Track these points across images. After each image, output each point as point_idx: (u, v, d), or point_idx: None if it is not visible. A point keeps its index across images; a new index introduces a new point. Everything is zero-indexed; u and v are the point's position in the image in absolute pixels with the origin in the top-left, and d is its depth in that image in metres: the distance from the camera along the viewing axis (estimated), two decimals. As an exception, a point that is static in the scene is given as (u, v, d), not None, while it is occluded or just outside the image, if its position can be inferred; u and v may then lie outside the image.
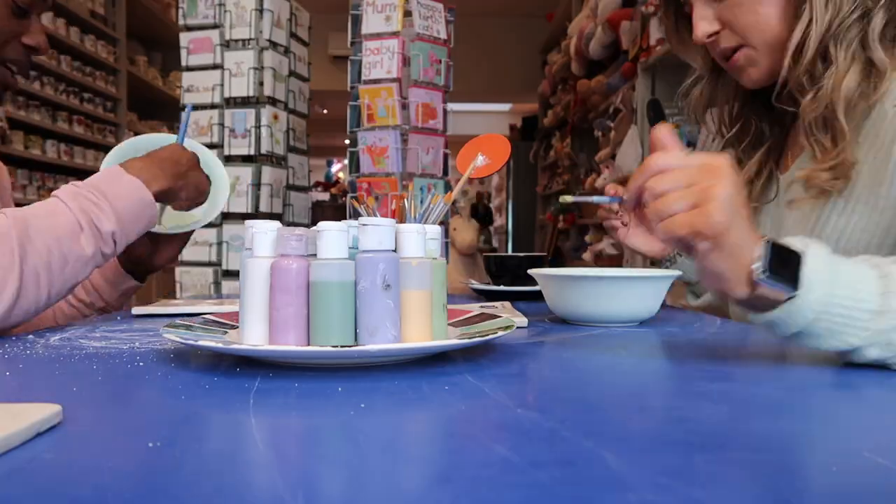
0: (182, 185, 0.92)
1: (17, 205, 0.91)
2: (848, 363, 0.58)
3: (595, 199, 0.80)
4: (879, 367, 0.57)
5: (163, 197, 0.89)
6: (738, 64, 0.87)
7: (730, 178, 0.53)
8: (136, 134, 4.61)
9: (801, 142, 0.89)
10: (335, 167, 8.50)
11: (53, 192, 0.81)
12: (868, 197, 0.79)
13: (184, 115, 1.04)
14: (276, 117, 1.53)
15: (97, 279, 1.06)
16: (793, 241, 0.56)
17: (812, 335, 0.55)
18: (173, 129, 5.32)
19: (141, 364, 0.60)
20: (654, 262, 1.08)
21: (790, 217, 0.88)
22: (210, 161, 1.05)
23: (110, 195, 0.82)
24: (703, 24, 0.86)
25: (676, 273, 0.87)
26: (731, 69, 0.90)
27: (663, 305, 0.94)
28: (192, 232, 1.06)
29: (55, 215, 0.77)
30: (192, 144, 1.04)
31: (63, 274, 0.77)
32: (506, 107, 8.32)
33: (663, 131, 0.58)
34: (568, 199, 0.78)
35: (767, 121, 0.94)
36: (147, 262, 1.06)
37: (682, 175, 0.54)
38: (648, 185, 0.55)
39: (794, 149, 0.92)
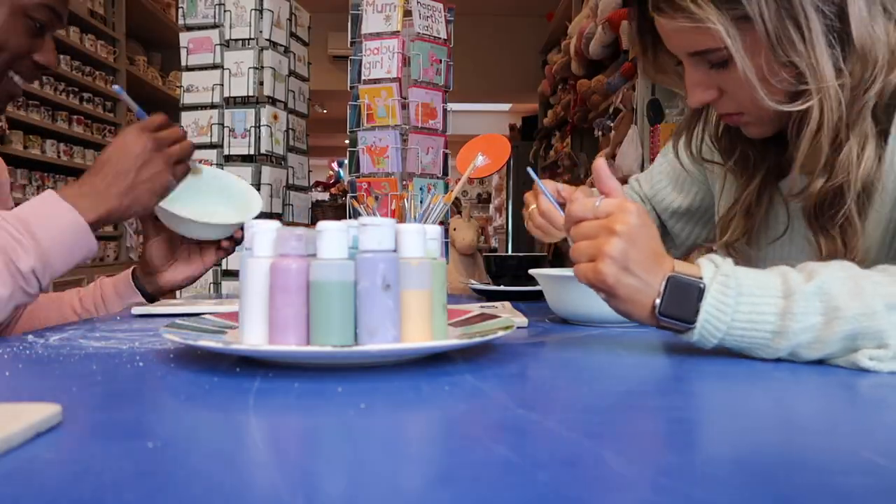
0: (131, 199, 0.85)
1: (17, 204, 0.90)
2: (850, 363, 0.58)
3: (547, 195, 0.82)
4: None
5: (105, 221, 0.84)
6: (737, 124, 0.80)
7: (625, 233, 0.59)
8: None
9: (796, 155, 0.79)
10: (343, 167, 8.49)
11: None
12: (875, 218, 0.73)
13: (119, 91, 0.96)
14: (275, 117, 1.53)
15: (108, 289, 1.04)
16: (705, 266, 0.60)
17: (730, 349, 0.61)
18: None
19: (141, 364, 0.60)
20: None
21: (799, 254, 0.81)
22: (224, 178, 1.04)
23: (36, 229, 0.77)
24: (698, 91, 0.77)
25: None
26: (728, 123, 0.82)
27: None
28: (215, 257, 1.03)
29: None
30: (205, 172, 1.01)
31: None
32: (506, 107, 8.31)
33: (601, 165, 0.65)
34: (532, 173, 0.81)
35: (760, 147, 0.85)
36: (161, 278, 1.02)
37: (589, 227, 0.62)
38: (571, 232, 0.64)
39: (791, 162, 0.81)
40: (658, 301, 0.59)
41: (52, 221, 0.79)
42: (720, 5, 0.68)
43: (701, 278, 0.59)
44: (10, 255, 0.75)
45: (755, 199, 0.86)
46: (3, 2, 0.89)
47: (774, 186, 0.86)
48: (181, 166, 0.90)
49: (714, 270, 0.60)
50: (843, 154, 0.71)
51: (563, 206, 0.81)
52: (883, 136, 0.72)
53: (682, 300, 0.59)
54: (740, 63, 0.70)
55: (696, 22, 0.69)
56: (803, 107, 0.71)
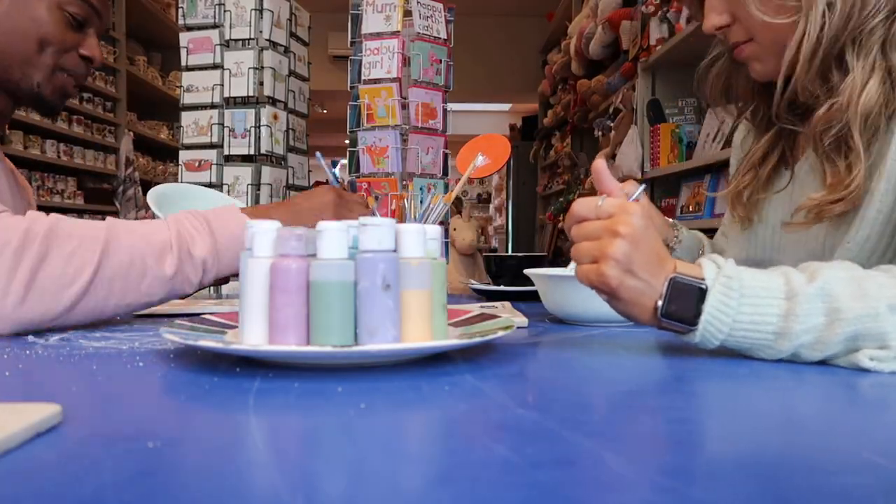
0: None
1: None
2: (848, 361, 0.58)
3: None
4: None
5: None
6: (743, 56, 0.84)
7: (629, 235, 0.58)
8: (135, 134, 4.63)
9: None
10: (338, 167, 8.48)
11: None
12: (877, 206, 0.74)
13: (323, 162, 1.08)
14: (276, 117, 1.53)
15: None
16: (706, 266, 0.60)
17: (730, 350, 0.60)
18: (172, 128, 5.30)
19: (141, 364, 0.60)
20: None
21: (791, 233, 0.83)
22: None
23: (214, 224, 0.82)
24: (713, 15, 0.83)
25: None
26: (738, 60, 0.86)
27: None
28: None
29: (152, 233, 0.78)
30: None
31: (138, 288, 0.76)
32: (506, 107, 8.31)
33: (600, 165, 0.65)
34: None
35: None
36: None
37: (591, 227, 0.61)
38: (571, 231, 0.63)
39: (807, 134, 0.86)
40: (660, 303, 0.59)
41: (230, 222, 0.83)
42: None
43: (703, 279, 0.59)
44: (186, 240, 0.79)
45: (762, 157, 0.90)
46: None
47: (781, 151, 0.89)
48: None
49: (716, 271, 0.59)
50: (849, 78, 0.74)
51: None
52: (889, 72, 0.74)
53: (684, 302, 0.59)
54: None
55: None
56: (788, 20, 0.75)
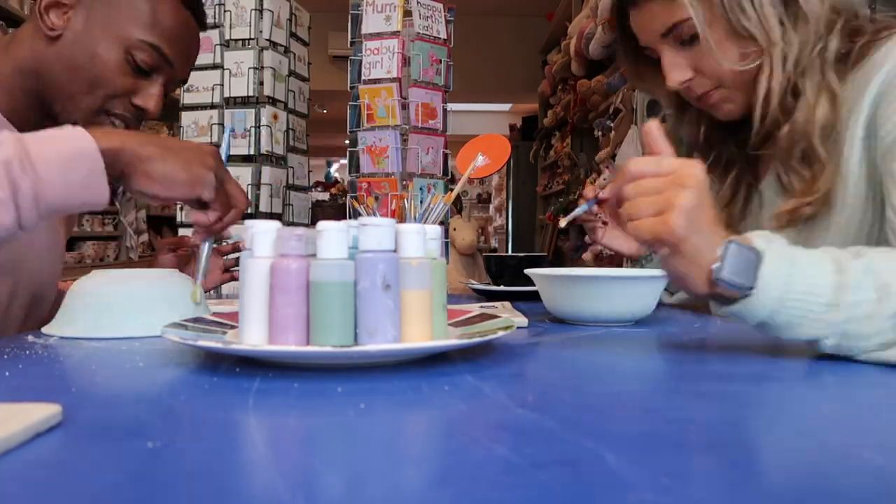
0: (157, 154, 0.73)
1: None
2: (847, 358, 0.58)
3: (578, 210, 0.91)
4: (876, 364, 0.57)
5: (116, 154, 0.72)
6: (712, 102, 0.88)
7: (695, 188, 0.57)
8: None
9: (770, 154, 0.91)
10: (334, 167, 8.47)
11: None
12: (840, 204, 0.81)
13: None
14: (275, 117, 1.53)
15: None
16: (756, 238, 0.60)
17: (773, 326, 0.59)
18: (172, 128, 5.32)
19: (141, 364, 0.60)
20: (632, 261, 1.12)
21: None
22: None
23: (35, 151, 0.65)
24: (676, 71, 0.86)
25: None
26: (704, 107, 0.90)
27: (660, 304, 0.95)
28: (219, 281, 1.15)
29: None
30: None
31: None
32: (506, 107, 8.31)
33: (653, 127, 0.63)
34: (563, 223, 0.90)
35: (733, 143, 0.95)
36: None
37: (653, 182, 0.59)
38: (625, 189, 0.60)
39: (766, 159, 0.92)
40: (717, 266, 0.57)
41: (54, 141, 0.68)
42: None
43: (754, 247, 0.58)
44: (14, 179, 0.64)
45: (731, 194, 0.96)
46: (109, 33, 0.87)
47: (747, 183, 0.96)
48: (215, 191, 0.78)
49: (767, 241, 0.58)
50: (802, 100, 0.82)
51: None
52: (829, 89, 0.82)
53: (744, 265, 0.57)
54: (700, 27, 0.80)
55: None
56: (753, 64, 0.82)
